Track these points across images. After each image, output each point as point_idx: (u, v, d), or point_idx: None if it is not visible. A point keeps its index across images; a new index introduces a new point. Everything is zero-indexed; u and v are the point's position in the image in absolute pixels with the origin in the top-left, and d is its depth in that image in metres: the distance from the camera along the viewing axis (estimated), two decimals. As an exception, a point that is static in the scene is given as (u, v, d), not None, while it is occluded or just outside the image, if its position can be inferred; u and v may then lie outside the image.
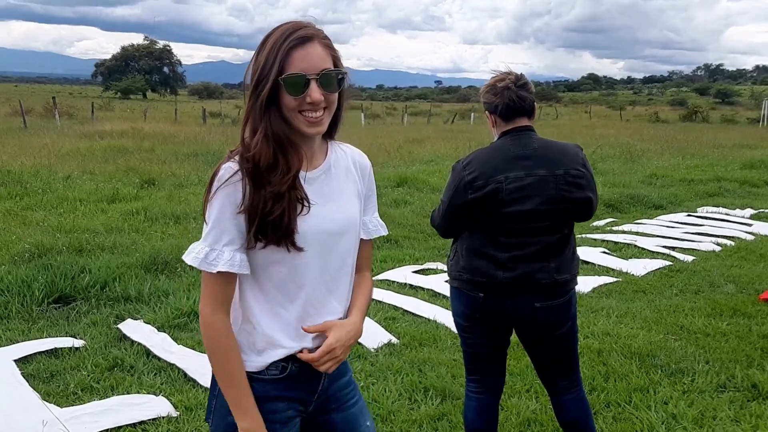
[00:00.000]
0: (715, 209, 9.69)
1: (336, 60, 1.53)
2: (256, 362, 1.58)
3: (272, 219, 1.47)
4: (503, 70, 2.49)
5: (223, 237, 1.49)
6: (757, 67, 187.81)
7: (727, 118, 39.23)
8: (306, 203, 1.52)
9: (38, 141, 16.08)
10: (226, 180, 1.48)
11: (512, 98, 2.40)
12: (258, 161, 1.47)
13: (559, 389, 2.62)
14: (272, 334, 1.57)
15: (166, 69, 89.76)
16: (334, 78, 1.50)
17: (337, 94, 1.54)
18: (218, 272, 1.49)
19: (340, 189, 1.64)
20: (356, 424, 1.75)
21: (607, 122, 36.12)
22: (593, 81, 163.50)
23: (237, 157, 1.50)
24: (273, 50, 1.46)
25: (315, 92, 1.47)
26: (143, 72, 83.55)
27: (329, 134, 1.65)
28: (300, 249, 1.53)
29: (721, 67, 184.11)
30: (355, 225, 1.67)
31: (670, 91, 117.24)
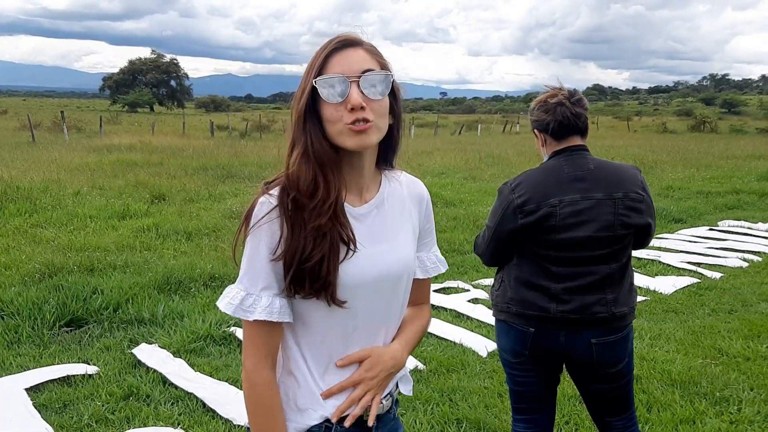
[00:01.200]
0: (736, 223, 9.47)
1: (383, 64, 1.34)
2: (296, 422, 1.38)
3: (310, 266, 1.28)
4: (555, 85, 2.31)
5: (260, 281, 1.31)
6: (763, 76, 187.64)
7: (736, 128, 39.04)
8: (352, 245, 1.32)
9: (47, 155, 15.99)
10: (262, 217, 1.29)
11: (566, 115, 2.22)
12: (296, 183, 1.28)
13: (614, 430, 2.42)
14: (318, 395, 1.38)
15: (173, 82, 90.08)
16: (378, 81, 1.30)
17: (385, 104, 1.32)
18: (257, 321, 1.31)
19: (395, 227, 1.44)
20: None
21: (615, 133, 35.97)
22: (598, 91, 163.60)
23: (276, 190, 1.31)
24: (313, 60, 1.31)
25: (354, 96, 1.27)
26: (150, 85, 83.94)
27: (385, 160, 1.45)
28: (341, 304, 1.33)
29: (726, 77, 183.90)
30: (410, 268, 1.47)
31: (676, 101, 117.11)
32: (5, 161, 14.38)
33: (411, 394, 1.58)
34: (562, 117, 2.22)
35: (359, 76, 1.28)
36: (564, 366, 2.41)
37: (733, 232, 8.85)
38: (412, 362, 4.23)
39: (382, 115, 1.33)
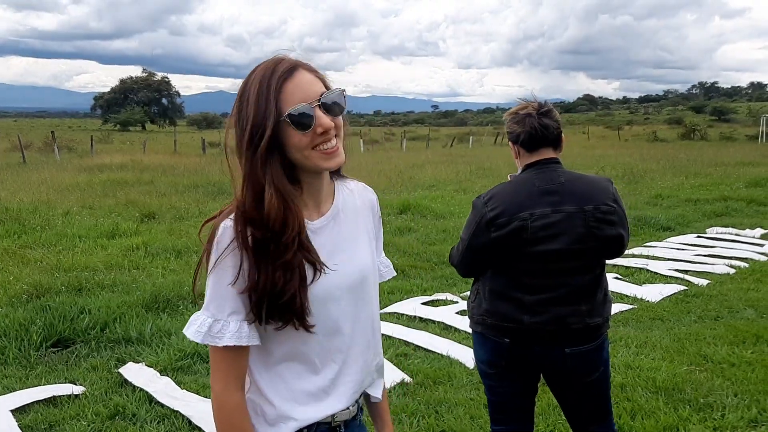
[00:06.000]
0: (724, 230, 9.52)
1: (324, 81, 1.36)
2: None
3: (283, 301, 1.30)
4: (529, 98, 2.35)
5: (226, 306, 1.32)
6: (752, 83, 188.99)
7: (726, 135, 39.24)
8: (319, 266, 1.34)
9: (37, 176, 15.98)
10: (228, 245, 1.30)
11: (534, 126, 2.26)
12: (272, 221, 1.28)
13: (592, 437, 2.44)
14: (287, 408, 1.40)
15: (164, 100, 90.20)
16: (335, 98, 1.33)
17: (341, 117, 1.36)
18: (225, 346, 1.33)
19: (353, 236, 1.47)
20: None
21: (606, 143, 36.13)
22: (589, 102, 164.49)
23: (231, 220, 1.32)
24: (261, 94, 1.28)
25: (323, 119, 1.30)
26: (142, 104, 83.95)
27: (337, 171, 1.47)
28: (309, 328, 1.35)
29: (716, 85, 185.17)
30: (372, 272, 1.51)
31: (666, 109, 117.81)
32: (-5, 182, 14.38)
33: (380, 399, 1.59)
34: (530, 128, 2.26)
35: (319, 99, 1.31)
36: (542, 376, 2.43)
37: (720, 239, 8.90)
38: (399, 375, 4.24)
39: (341, 125, 1.36)
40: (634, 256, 7.86)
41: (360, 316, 1.47)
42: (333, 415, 1.44)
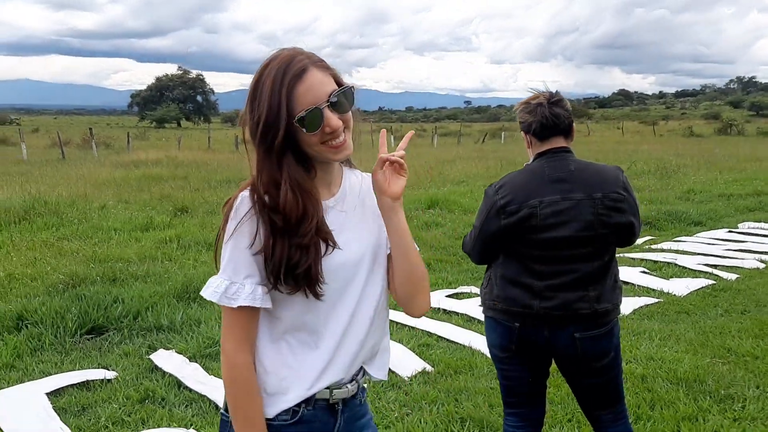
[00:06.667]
0: (756, 225, 9.40)
1: (336, 78, 1.44)
2: (266, 406, 1.48)
3: (299, 272, 1.39)
4: (541, 89, 2.40)
5: (242, 269, 1.41)
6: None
7: (764, 130, 38.46)
8: (331, 242, 1.44)
9: (75, 171, 16.37)
10: (245, 213, 1.40)
11: (545, 115, 2.31)
12: (289, 215, 1.38)
13: (603, 423, 2.48)
14: (287, 381, 1.47)
15: (199, 97, 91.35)
16: (343, 97, 1.41)
17: (350, 112, 1.45)
18: (239, 307, 1.41)
19: (360, 215, 1.56)
20: None
21: (641, 138, 35.66)
22: (624, 96, 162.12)
23: (248, 192, 1.42)
24: (274, 94, 1.37)
25: (332, 120, 1.39)
26: (177, 101, 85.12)
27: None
28: (319, 296, 1.43)
29: (754, 80, 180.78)
30: (382, 249, 1.57)
31: (703, 104, 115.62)
32: (35, 177, 14.78)
33: (386, 378, 1.66)
34: (541, 117, 2.31)
35: (328, 100, 1.39)
36: (554, 361, 2.48)
37: (752, 234, 8.78)
38: (420, 364, 4.32)
39: (350, 120, 1.45)
40: (663, 250, 7.82)
41: (366, 291, 1.54)
42: (331, 391, 1.50)
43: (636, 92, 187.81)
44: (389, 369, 4.17)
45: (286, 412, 1.47)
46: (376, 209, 1.56)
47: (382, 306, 1.59)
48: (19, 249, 7.57)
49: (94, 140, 26.48)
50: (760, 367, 4.14)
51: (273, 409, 1.47)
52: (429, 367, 4.31)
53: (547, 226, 2.25)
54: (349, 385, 1.54)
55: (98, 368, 4.36)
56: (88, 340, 4.91)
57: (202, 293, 1.47)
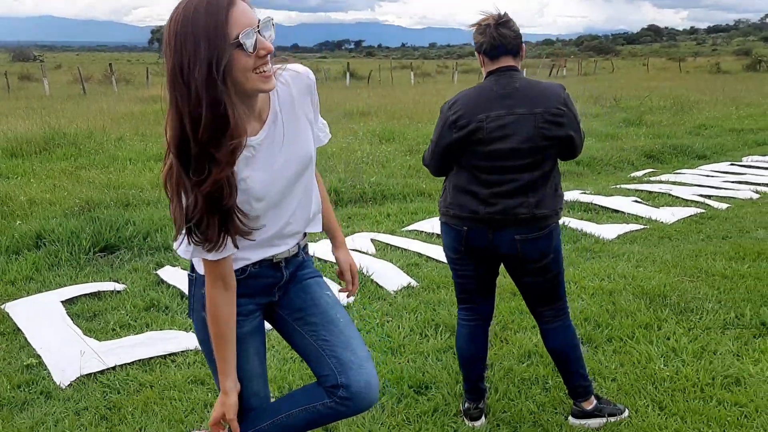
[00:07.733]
0: (761, 158, 9.47)
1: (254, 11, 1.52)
2: None
3: (221, 216, 1.58)
4: (492, 11, 2.59)
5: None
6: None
7: (795, 66, 37.45)
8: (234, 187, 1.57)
9: (95, 106, 16.70)
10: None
11: (493, 36, 2.51)
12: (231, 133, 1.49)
13: (544, 318, 2.77)
14: (245, 252, 1.76)
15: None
16: (269, 26, 1.50)
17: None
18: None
19: (294, 128, 1.72)
20: (311, 290, 1.93)
21: (665, 74, 35.00)
22: (654, 32, 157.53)
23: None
24: (210, 25, 1.40)
25: (265, 42, 1.47)
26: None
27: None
28: (248, 236, 1.66)
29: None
30: (312, 158, 1.80)
31: (736, 40, 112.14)
32: (56, 111, 15.12)
33: (321, 230, 1.97)
34: (490, 37, 2.51)
35: (258, 27, 1.47)
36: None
37: (753, 167, 8.87)
38: (406, 280, 4.62)
39: (272, 52, 1.56)
40: (660, 182, 7.97)
41: (302, 185, 1.80)
42: (273, 255, 1.82)
43: (666, 28, 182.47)
44: (377, 284, 4.49)
45: (238, 270, 1.77)
46: (308, 112, 1.79)
47: (310, 187, 1.84)
48: (39, 177, 7.95)
49: (114, 76, 26.76)
50: (726, 285, 4.35)
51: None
52: (414, 283, 4.61)
53: (493, 138, 2.48)
54: (290, 249, 1.86)
55: (109, 281, 4.73)
56: (101, 257, 5.28)
57: (176, 251, 1.74)
